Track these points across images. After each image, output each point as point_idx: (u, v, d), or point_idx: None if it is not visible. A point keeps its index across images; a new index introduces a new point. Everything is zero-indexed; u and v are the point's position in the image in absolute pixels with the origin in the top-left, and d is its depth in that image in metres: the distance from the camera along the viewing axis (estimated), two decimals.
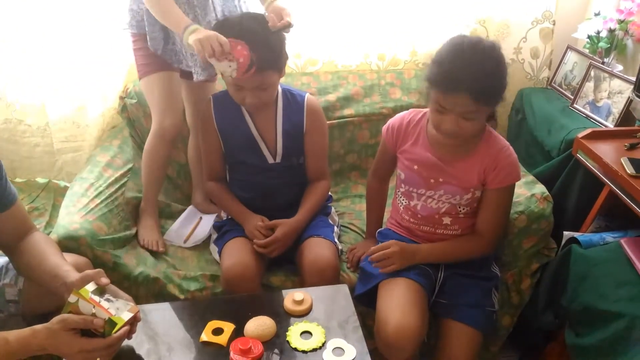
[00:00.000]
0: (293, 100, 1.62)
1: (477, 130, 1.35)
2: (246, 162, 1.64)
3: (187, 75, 1.71)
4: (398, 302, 1.36)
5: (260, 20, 1.47)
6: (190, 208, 1.92)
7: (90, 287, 1.12)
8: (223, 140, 1.64)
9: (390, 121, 1.54)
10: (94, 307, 1.09)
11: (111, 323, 1.09)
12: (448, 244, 1.49)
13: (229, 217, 1.69)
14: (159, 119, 1.70)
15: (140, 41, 1.64)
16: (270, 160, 1.63)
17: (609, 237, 1.49)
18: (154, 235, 1.71)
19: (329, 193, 1.79)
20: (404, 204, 1.54)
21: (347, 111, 2.03)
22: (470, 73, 1.23)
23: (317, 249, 1.53)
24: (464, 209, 1.47)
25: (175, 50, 1.64)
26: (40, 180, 2.07)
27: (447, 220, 1.49)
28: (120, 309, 1.13)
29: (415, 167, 1.46)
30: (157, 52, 1.61)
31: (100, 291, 1.14)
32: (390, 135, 1.52)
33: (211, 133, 1.64)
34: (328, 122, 2.00)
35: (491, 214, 1.45)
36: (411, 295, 1.38)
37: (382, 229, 1.66)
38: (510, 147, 1.43)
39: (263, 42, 1.43)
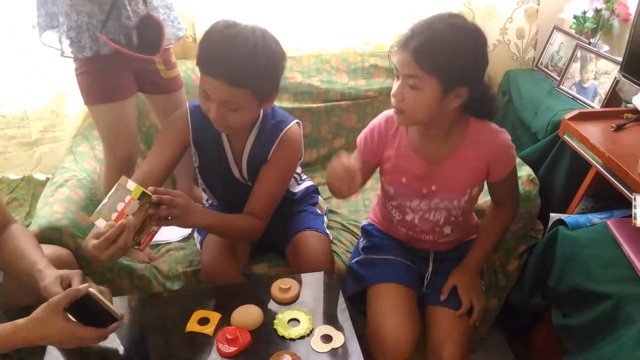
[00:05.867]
0: (272, 128, 1.42)
1: (422, 107, 1.19)
2: (217, 175, 1.53)
3: (150, 89, 1.62)
4: (392, 315, 1.33)
5: (259, 37, 1.26)
6: None
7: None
8: (197, 150, 1.48)
9: (365, 132, 1.40)
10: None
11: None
12: (485, 243, 1.44)
13: (214, 204, 1.66)
14: (108, 152, 1.62)
15: (79, 63, 1.51)
16: (240, 180, 1.52)
17: (595, 218, 1.49)
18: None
19: (313, 184, 1.73)
20: (398, 218, 1.46)
21: (333, 95, 2.00)
22: (421, 34, 1.13)
23: (312, 244, 1.48)
24: (459, 211, 1.39)
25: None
26: (13, 176, 1.99)
27: (447, 230, 1.44)
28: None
29: (404, 179, 1.35)
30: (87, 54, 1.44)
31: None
32: (369, 146, 1.38)
33: (177, 140, 1.43)
34: (314, 106, 1.99)
35: (509, 188, 1.41)
36: (402, 303, 1.36)
37: (367, 224, 1.58)
38: (505, 131, 1.33)
39: (248, 55, 1.22)
